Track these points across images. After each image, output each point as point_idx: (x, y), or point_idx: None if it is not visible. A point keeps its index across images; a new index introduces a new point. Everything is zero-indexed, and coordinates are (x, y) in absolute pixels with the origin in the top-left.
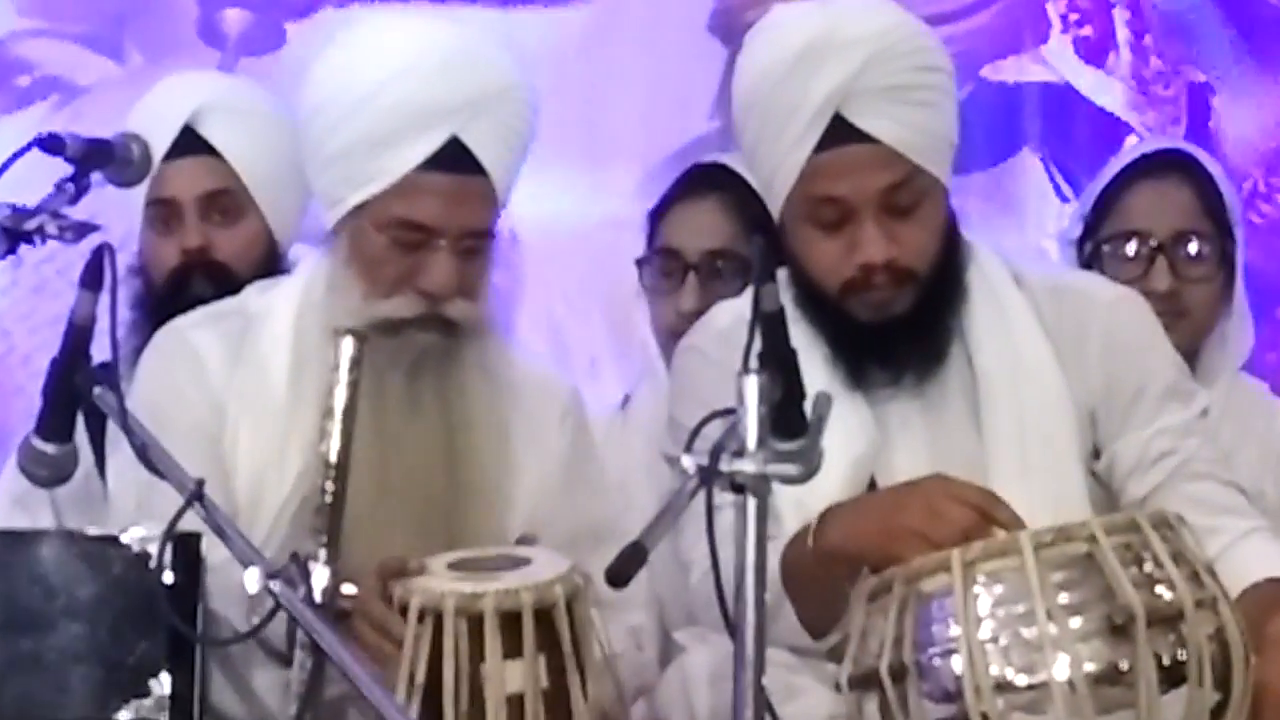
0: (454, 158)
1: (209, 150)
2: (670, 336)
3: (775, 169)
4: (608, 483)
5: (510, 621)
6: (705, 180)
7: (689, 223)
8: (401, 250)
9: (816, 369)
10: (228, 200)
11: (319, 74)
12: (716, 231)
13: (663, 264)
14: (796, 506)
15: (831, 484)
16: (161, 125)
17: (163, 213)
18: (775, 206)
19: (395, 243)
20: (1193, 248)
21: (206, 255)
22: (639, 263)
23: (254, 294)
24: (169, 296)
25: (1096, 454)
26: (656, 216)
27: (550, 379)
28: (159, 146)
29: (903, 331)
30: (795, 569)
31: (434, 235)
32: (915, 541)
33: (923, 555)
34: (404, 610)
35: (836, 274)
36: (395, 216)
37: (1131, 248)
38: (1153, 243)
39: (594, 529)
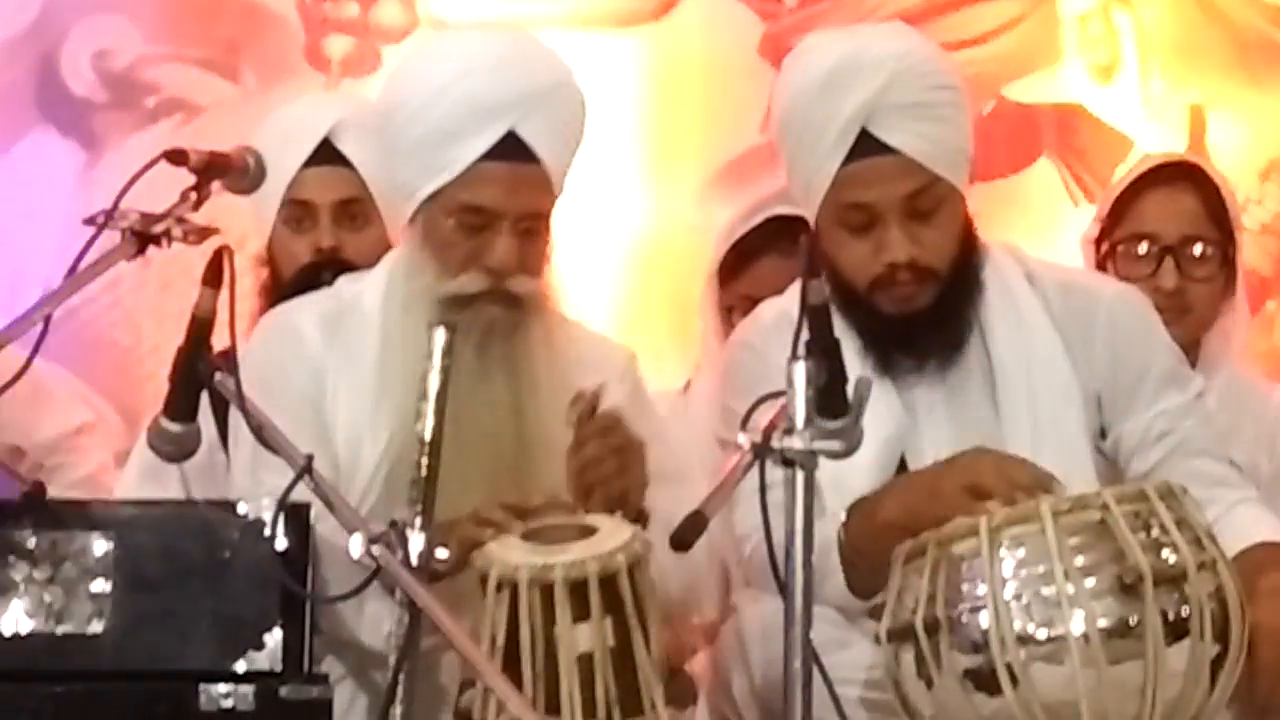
0: (511, 149)
1: (343, 162)
2: None
3: (810, 178)
4: (663, 429)
5: (578, 588)
6: (791, 233)
7: (778, 276)
8: (467, 233)
9: (849, 358)
10: (357, 208)
11: (395, 78)
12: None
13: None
14: (834, 483)
15: (865, 462)
16: (304, 136)
17: (298, 213)
18: (811, 212)
19: (461, 226)
20: (1198, 250)
21: (337, 255)
22: (728, 308)
23: (346, 283)
24: (298, 288)
25: (1103, 434)
26: (741, 261)
27: (608, 344)
28: (300, 155)
29: (925, 323)
30: (853, 540)
31: (496, 218)
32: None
33: (911, 542)
34: (484, 580)
35: (865, 272)
36: (461, 202)
37: (1142, 248)
38: (1162, 245)
39: (655, 469)
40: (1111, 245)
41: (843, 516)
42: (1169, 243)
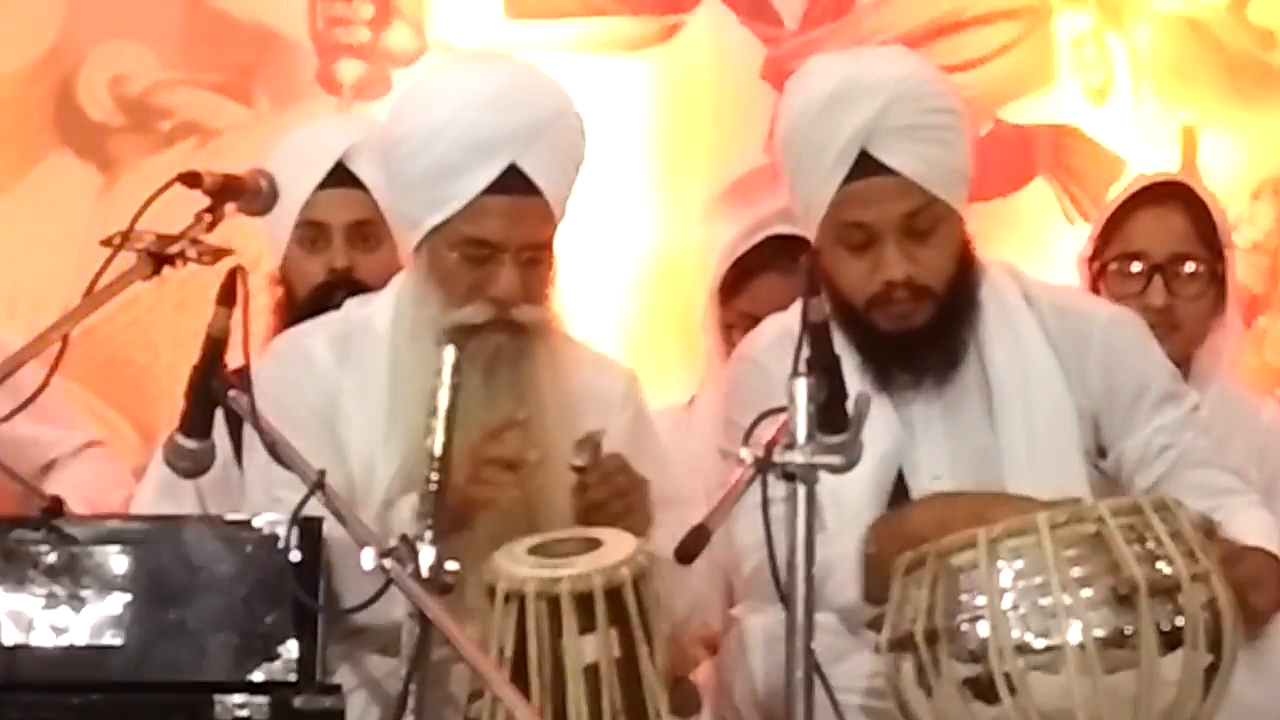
0: (513, 182)
1: (357, 184)
2: None
3: (810, 197)
4: (665, 454)
5: (584, 601)
6: (790, 253)
7: (776, 295)
8: (471, 264)
9: (848, 374)
10: (370, 229)
11: (396, 113)
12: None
13: (753, 327)
14: (832, 497)
15: (863, 477)
16: (317, 158)
17: (312, 233)
18: (811, 231)
19: (465, 258)
20: (1186, 268)
21: (350, 275)
22: (728, 326)
23: (354, 306)
24: (312, 307)
25: (1101, 452)
26: (741, 279)
27: (612, 366)
28: (314, 177)
29: (922, 341)
30: (880, 547)
31: (499, 250)
32: None
33: (911, 554)
34: (491, 592)
35: (863, 289)
36: (464, 235)
37: (1133, 267)
38: (1151, 263)
39: (658, 495)
40: (1103, 264)
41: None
42: (1158, 261)
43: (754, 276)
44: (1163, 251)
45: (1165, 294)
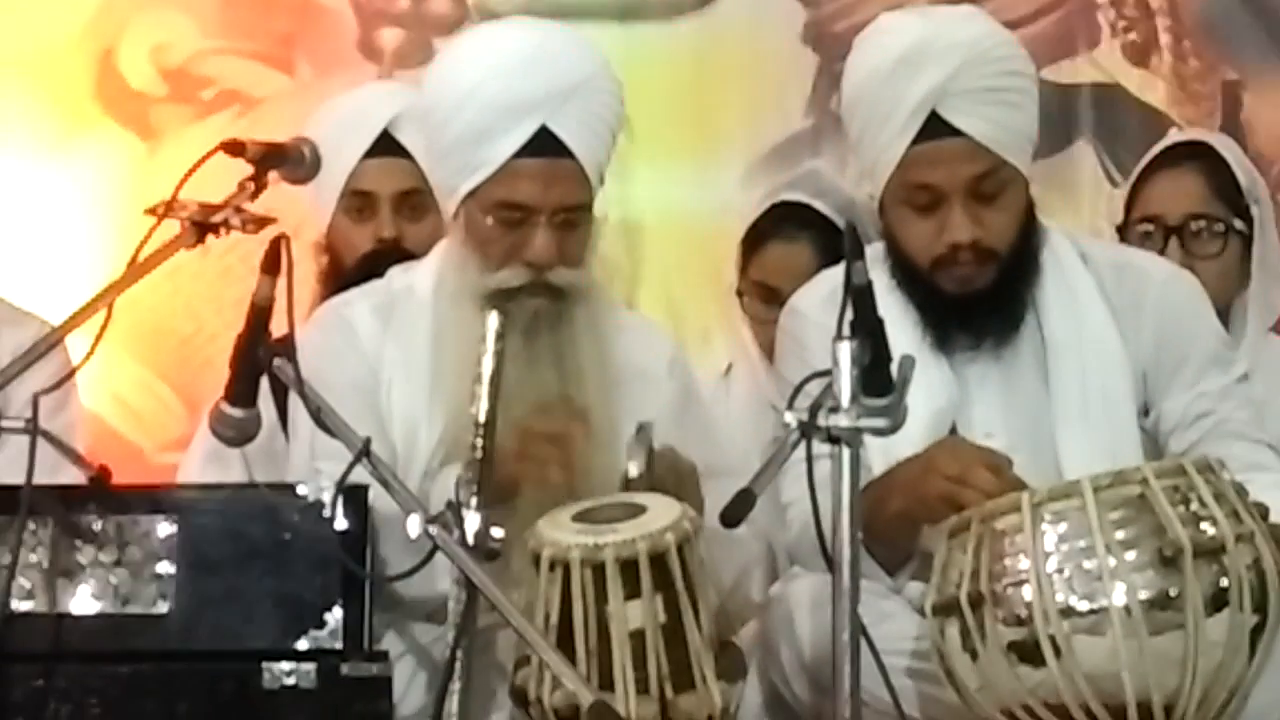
0: (545, 144)
1: (404, 152)
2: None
3: (877, 157)
4: (711, 421)
5: (629, 567)
6: (795, 219)
7: (782, 262)
8: (506, 228)
9: (907, 333)
10: (417, 199)
11: (430, 79)
12: (807, 273)
13: (763, 295)
14: (884, 454)
15: (916, 434)
16: (364, 127)
17: (359, 203)
18: (877, 189)
19: (500, 222)
20: (1203, 228)
21: (398, 245)
22: (739, 293)
23: (397, 274)
24: (359, 277)
25: (1145, 411)
26: (750, 247)
27: (656, 333)
28: (361, 145)
29: (983, 303)
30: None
31: (533, 213)
32: (945, 508)
33: (955, 517)
34: (537, 560)
35: (928, 251)
36: (498, 199)
37: (1149, 230)
38: (1166, 226)
39: (704, 466)
40: (1128, 229)
41: None
42: (1172, 223)
43: (761, 244)
44: (1177, 213)
45: (1182, 255)
